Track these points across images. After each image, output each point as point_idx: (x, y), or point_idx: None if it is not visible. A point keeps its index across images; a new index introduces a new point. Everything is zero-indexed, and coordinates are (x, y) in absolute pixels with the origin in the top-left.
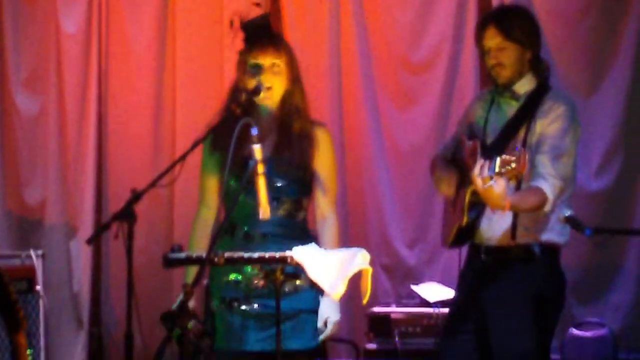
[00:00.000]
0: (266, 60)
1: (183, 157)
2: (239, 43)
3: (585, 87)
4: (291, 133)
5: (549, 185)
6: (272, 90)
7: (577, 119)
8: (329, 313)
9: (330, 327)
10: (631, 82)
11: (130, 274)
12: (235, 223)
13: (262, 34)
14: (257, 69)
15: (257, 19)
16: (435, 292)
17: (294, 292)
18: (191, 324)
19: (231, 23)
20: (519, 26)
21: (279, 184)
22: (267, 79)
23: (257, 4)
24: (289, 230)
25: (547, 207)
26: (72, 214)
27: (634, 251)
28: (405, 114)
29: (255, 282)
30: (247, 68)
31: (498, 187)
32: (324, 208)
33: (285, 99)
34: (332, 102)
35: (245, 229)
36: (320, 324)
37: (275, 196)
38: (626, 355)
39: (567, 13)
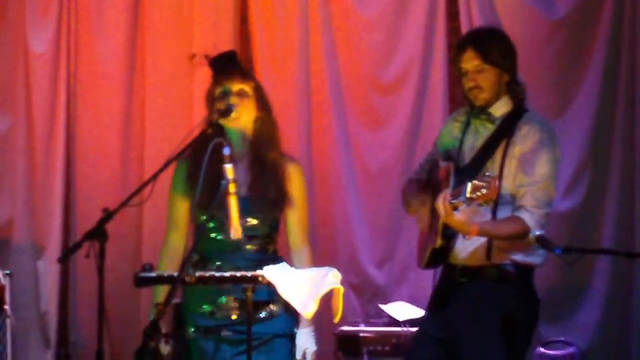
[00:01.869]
0: (233, 85)
1: (154, 177)
2: (207, 70)
3: (552, 109)
4: (265, 168)
5: (529, 215)
6: (239, 113)
7: (556, 141)
8: (307, 344)
9: (309, 357)
10: (598, 104)
11: (102, 293)
12: (207, 257)
13: (227, 62)
14: (225, 93)
15: (224, 53)
16: (404, 311)
17: (269, 317)
18: (166, 349)
19: (192, 57)
20: (497, 49)
21: (253, 223)
22: (235, 102)
23: (215, 46)
24: (261, 264)
25: (531, 235)
26: (40, 234)
27: (602, 271)
28: (374, 135)
29: (229, 312)
30: (218, 94)
31: (460, 216)
32: (297, 239)
33: (257, 128)
34: (302, 122)
35: (218, 263)
36: (299, 355)
37: (247, 234)
38: None
39: (534, 37)
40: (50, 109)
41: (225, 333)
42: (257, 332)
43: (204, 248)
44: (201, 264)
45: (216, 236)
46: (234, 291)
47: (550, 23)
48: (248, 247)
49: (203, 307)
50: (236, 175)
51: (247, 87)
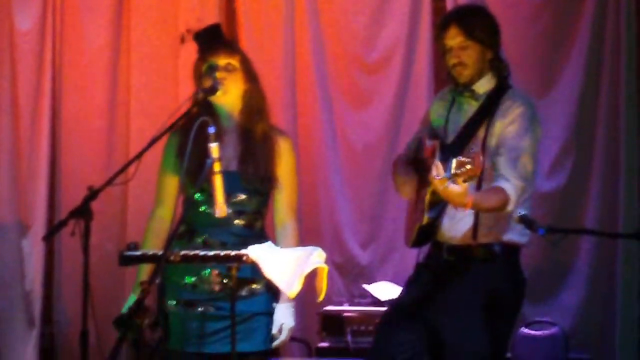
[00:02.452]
0: (220, 60)
1: (139, 155)
2: (193, 46)
3: (537, 89)
4: (254, 142)
5: (510, 186)
6: (229, 88)
7: (537, 118)
8: (284, 319)
9: (285, 333)
10: (583, 84)
11: (87, 272)
12: (194, 229)
13: (213, 38)
14: (212, 69)
15: (208, 28)
16: (388, 291)
17: (250, 295)
18: (145, 322)
19: (182, 39)
20: (480, 26)
21: (241, 197)
22: (222, 76)
23: (199, 20)
24: (248, 240)
25: (510, 207)
26: (25, 212)
27: (585, 251)
28: (359, 114)
29: (211, 286)
30: (203, 70)
31: (456, 187)
32: (283, 215)
33: (245, 101)
34: (287, 102)
35: (205, 236)
36: (275, 330)
37: (235, 209)
38: (577, 354)
39: (518, 16)
40: (35, 87)
41: (205, 308)
42: (237, 309)
43: (192, 220)
44: (187, 235)
45: (205, 209)
46: (217, 265)
47: (535, 3)
48: (236, 222)
49: (186, 278)
50: (225, 149)
51: (233, 61)
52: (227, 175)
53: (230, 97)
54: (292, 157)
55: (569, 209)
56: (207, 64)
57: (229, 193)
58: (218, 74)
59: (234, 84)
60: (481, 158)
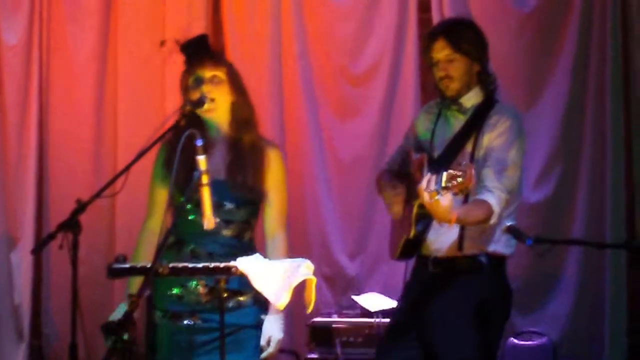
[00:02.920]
0: (206, 72)
1: (127, 168)
2: (179, 57)
3: (524, 101)
4: (243, 151)
5: (494, 198)
6: (216, 101)
7: (523, 132)
8: (272, 331)
9: (273, 345)
10: (569, 95)
11: (75, 285)
12: (182, 239)
13: (199, 50)
14: (198, 82)
15: (195, 38)
16: (376, 302)
17: (237, 307)
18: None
19: (161, 43)
20: (467, 39)
21: (229, 207)
22: (209, 90)
23: (188, 25)
24: (236, 250)
25: (494, 220)
26: (13, 225)
27: (573, 261)
28: (346, 126)
29: (198, 297)
30: (191, 83)
31: (444, 201)
32: (272, 226)
33: (233, 112)
34: (274, 113)
35: (192, 246)
36: (263, 341)
37: (224, 218)
38: None
39: (504, 27)
40: (22, 100)
41: (193, 321)
42: (225, 322)
43: (181, 230)
44: (176, 246)
45: (193, 218)
46: (204, 277)
47: (520, 15)
48: (224, 232)
49: (173, 289)
50: (214, 159)
51: (220, 73)
52: (215, 184)
53: (217, 109)
54: (281, 167)
55: (556, 219)
56: (193, 76)
57: (218, 202)
58: (205, 87)
59: (221, 96)
60: (473, 171)
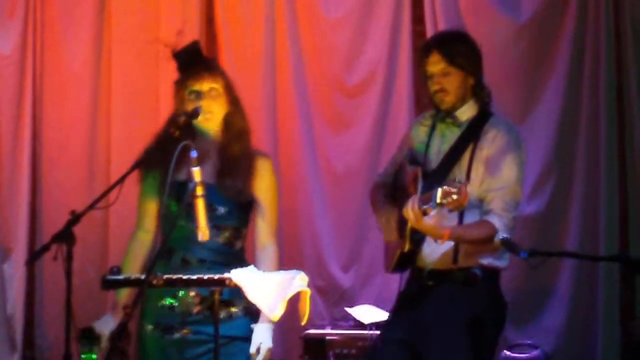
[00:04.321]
0: (203, 86)
1: (122, 180)
2: (174, 69)
3: (517, 112)
4: (232, 157)
5: (498, 220)
6: (212, 113)
7: (521, 144)
8: (261, 340)
9: (263, 353)
10: (563, 107)
11: (69, 296)
12: (172, 248)
13: (195, 61)
14: (197, 95)
15: (187, 46)
16: (370, 314)
17: (228, 319)
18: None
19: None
20: (462, 52)
21: (220, 211)
22: (207, 104)
23: (180, 32)
24: (227, 258)
25: (496, 240)
26: (6, 236)
27: (566, 274)
28: (340, 137)
29: (190, 307)
30: (186, 95)
31: (430, 220)
32: (263, 236)
33: (227, 122)
34: (267, 124)
35: (182, 253)
36: (253, 349)
37: (215, 224)
38: None
39: (498, 41)
40: (16, 111)
41: (184, 334)
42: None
43: (171, 237)
44: (166, 255)
45: (182, 224)
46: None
47: (514, 26)
48: (215, 238)
49: (164, 299)
50: (205, 166)
51: (217, 85)
52: (205, 187)
53: (212, 120)
54: (271, 176)
55: (550, 231)
56: (189, 89)
57: (209, 205)
58: (203, 102)
59: (217, 108)
60: (468, 189)
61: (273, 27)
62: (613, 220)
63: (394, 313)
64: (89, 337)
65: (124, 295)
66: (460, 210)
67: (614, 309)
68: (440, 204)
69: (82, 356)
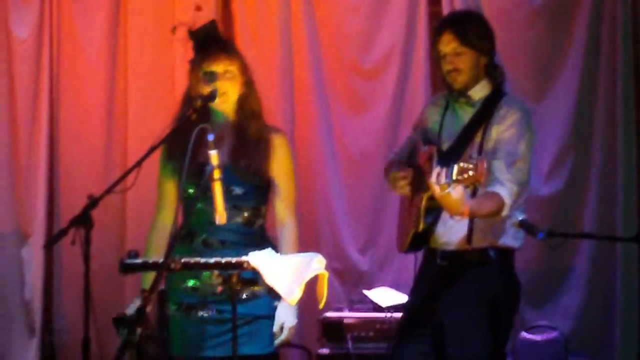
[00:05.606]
0: (219, 67)
1: (139, 163)
2: (189, 50)
3: (534, 93)
4: (248, 138)
5: (506, 190)
6: (227, 95)
7: (532, 124)
8: (285, 318)
9: (286, 332)
10: (580, 87)
11: (87, 280)
12: (193, 230)
13: (212, 41)
14: (211, 76)
15: (205, 26)
16: (388, 296)
17: (251, 298)
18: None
19: (173, 29)
20: (474, 32)
21: (237, 192)
22: (221, 85)
23: (198, 8)
24: (247, 238)
25: (505, 212)
26: (24, 221)
27: (584, 255)
28: (357, 120)
29: (213, 287)
30: (201, 76)
31: (456, 194)
32: (282, 213)
33: (241, 103)
34: (284, 107)
35: (204, 236)
36: (276, 328)
37: (234, 204)
38: (577, 357)
39: (515, 20)
40: (33, 95)
41: (207, 313)
42: (239, 313)
43: (191, 220)
44: (188, 238)
45: (201, 207)
46: None
47: (530, 8)
48: (235, 219)
49: (187, 281)
50: (219, 145)
51: (233, 67)
52: (222, 170)
53: (227, 102)
54: (287, 153)
55: (567, 212)
56: (204, 70)
57: (226, 187)
58: (219, 84)
59: (233, 90)
60: (484, 164)
61: (289, 10)
62: (631, 201)
63: (411, 296)
64: (122, 322)
65: (149, 279)
66: (476, 187)
67: (633, 289)
68: (457, 180)
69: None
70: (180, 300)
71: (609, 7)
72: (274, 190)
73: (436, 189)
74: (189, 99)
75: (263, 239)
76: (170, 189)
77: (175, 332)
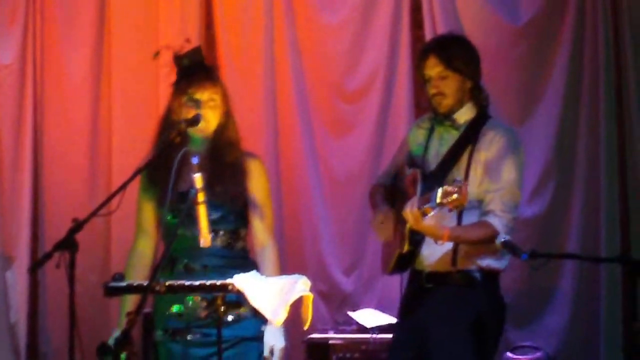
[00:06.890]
0: (204, 95)
1: (123, 187)
2: (174, 75)
3: (517, 115)
4: (223, 165)
5: (498, 221)
6: (208, 122)
7: (520, 145)
8: (274, 341)
9: (277, 354)
10: (562, 109)
11: (72, 303)
12: (174, 256)
13: (197, 67)
14: (196, 103)
15: (190, 52)
16: (373, 318)
17: (237, 320)
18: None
19: (156, 54)
20: (459, 55)
21: (214, 216)
22: (205, 113)
23: (188, 40)
24: (229, 261)
25: (498, 241)
26: (8, 244)
27: (568, 275)
28: (340, 142)
29: (197, 312)
30: (185, 101)
31: (429, 221)
32: (261, 236)
33: (219, 132)
34: (268, 130)
35: (185, 261)
36: (266, 352)
37: (212, 228)
38: None
39: (497, 44)
40: (17, 119)
41: (193, 336)
42: (224, 335)
43: (172, 247)
44: (169, 265)
45: (181, 232)
46: None
47: (513, 30)
48: (214, 242)
49: (172, 307)
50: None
51: (216, 96)
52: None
53: (208, 129)
54: (261, 174)
55: (551, 233)
56: (190, 95)
57: None
58: (203, 111)
59: (214, 118)
60: (467, 188)
61: (272, 34)
62: (614, 222)
63: (398, 318)
64: (108, 351)
65: (128, 305)
66: (460, 210)
67: (616, 310)
68: (441, 204)
69: None
70: (166, 325)
71: (590, 28)
72: (253, 212)
73: (410, 219)
74: (169, 122)
75: (245, 262)
76: (150, 215)
77: (162, 356)
